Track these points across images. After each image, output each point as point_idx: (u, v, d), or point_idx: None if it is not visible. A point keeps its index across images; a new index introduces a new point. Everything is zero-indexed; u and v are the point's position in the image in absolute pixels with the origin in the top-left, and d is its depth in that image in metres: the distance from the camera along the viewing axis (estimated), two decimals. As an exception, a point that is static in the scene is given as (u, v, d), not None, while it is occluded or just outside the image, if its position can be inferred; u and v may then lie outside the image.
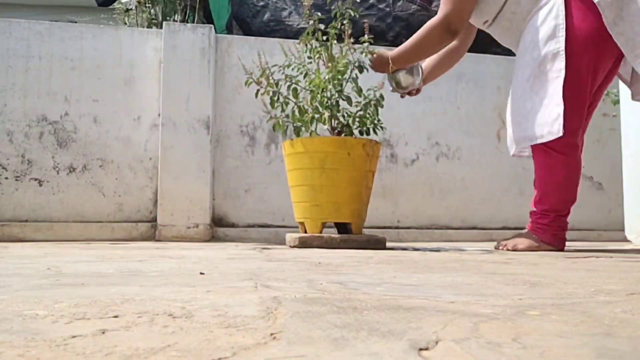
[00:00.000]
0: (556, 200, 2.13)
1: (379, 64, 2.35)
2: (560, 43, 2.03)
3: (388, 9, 3.81)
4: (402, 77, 2.35)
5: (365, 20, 2.50)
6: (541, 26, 2.08)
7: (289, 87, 2.33)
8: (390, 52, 2.33)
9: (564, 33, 2.03)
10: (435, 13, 2.28)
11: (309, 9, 2.29)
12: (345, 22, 2.31)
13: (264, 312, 0.64)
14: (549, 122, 2.01)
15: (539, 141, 2.05)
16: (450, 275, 1.12)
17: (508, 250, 2.12)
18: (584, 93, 2.07)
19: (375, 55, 2.34)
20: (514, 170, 3.55)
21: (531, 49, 2.10)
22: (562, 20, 2.04)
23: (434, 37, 2.23)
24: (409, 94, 2.48)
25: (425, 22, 2.27)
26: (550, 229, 2.13)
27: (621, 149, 3.13)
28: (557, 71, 2.02)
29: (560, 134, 1.98)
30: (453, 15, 2.18)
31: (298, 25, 3.72)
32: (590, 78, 2.08)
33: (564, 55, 2.02)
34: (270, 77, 2.35)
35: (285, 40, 3.07)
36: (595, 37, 2.03)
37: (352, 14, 2.31)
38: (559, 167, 2.10)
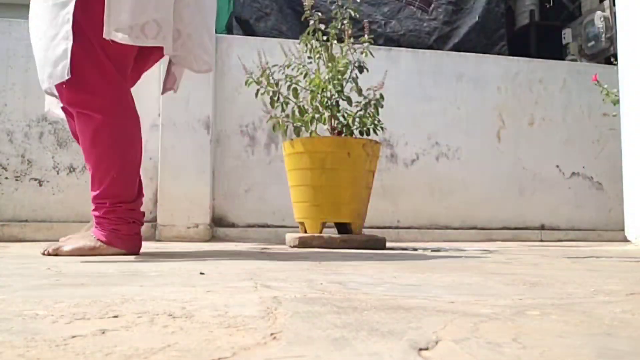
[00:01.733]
0: (110, 182, 1.62)
1: None
2: None
3: (380, 30, 3.84)
4: None
5: (365, 20, 2.50)
6: None
7: (289, 87, 2.33)
8: None
9: None
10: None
11: (310, 9, 2.29)
12: (345, 22, 2.31)
13: (264, 312, 0.64)
14: (52, 60, 1.49)
15: (45, 86, 1.57)
16: (450, 275, 1.12)
17: (49, 254, 1.54)
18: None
19: None
20: (514, 170, 3.55)
21: None
22: None
23: None
24: None
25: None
26: (110, 223, 1.61)
27: (621, 149, 3.13)
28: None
29: (66, 77, 1.47)
30: None
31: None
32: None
33: None
34: (270, 77, 2.35)
35: (286, 40, 3.07)
36: None
37: (353, 14, 2.31)
38: (101, 132, 1.59)
